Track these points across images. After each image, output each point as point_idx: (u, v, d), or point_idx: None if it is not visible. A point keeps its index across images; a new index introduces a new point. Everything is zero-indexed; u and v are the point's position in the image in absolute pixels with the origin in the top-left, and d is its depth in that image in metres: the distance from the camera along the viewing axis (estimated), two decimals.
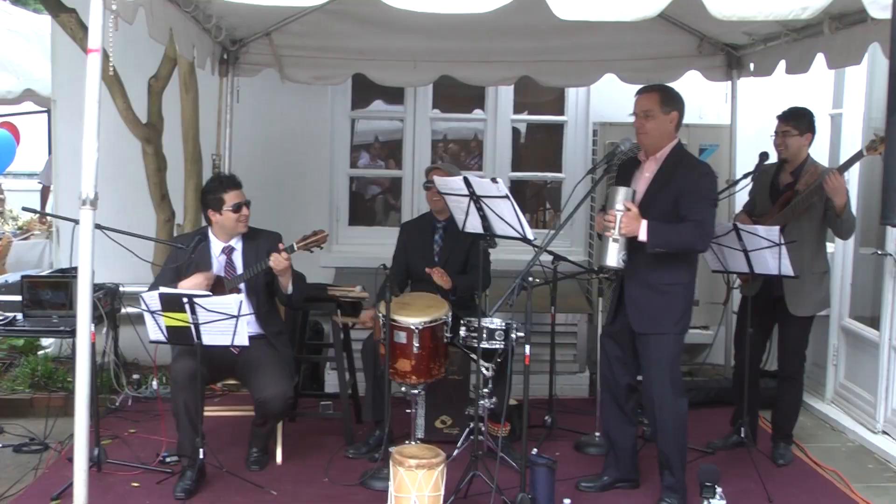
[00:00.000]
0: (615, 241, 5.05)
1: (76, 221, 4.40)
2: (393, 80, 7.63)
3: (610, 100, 8.14)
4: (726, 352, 7.85)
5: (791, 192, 5.97)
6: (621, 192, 5.05)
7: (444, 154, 9.00)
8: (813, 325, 7.20)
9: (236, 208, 5.78)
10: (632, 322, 5.28)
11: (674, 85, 6.03)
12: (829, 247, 7.25)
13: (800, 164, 6.02)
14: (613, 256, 5.08)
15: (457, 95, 8.83)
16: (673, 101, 5.24)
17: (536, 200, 9.41)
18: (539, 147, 9.19)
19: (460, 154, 9.11)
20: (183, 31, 5.66)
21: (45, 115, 12.20)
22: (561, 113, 8.86)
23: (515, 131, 8.95)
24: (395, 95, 8.81)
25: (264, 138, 8.34)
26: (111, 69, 4.56)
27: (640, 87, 5.47)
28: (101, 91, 4.31)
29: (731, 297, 6.86)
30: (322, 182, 8.59)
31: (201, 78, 7.32)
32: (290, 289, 5.79)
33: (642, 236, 4.97)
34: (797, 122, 5.99)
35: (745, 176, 6.35)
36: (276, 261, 5.58)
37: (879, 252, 6.66)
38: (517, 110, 8.88)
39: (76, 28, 6.58)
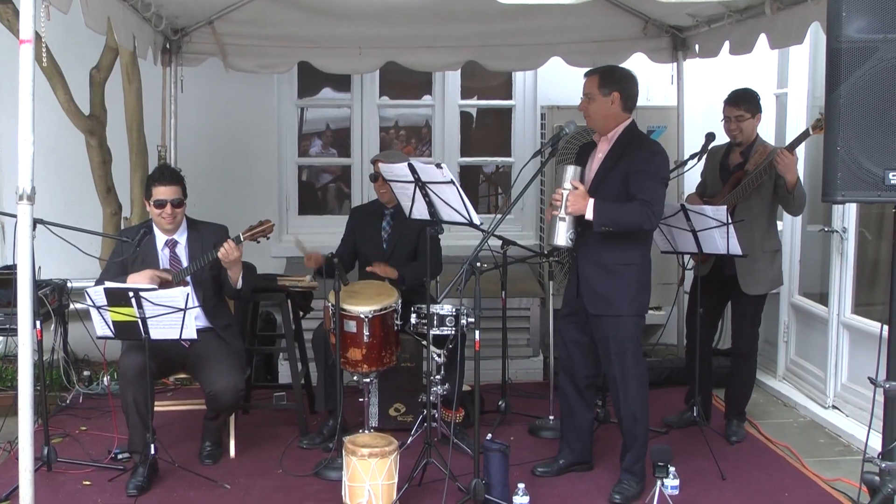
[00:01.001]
0: (562, 219, 5.04)
1: (15, 216, 4.32)
2: (338, 68, 7.58)
3: (557, 83, 8.14)
4: (679, 332, 7.90)
5: (741, 172, 6.01)
6: (569, 171, 5.04)
7: (396, 140, 8.97)
8: (765, 303, 7.28)
9: (158, 205, 5.67)
10: (586, 303, 5.25)
11: None
12: (778, 224, 7.34)
13: (749, 145, 6.06)
14: (562, 235, 5.07)
15: (405, 82, 8.79)
16: (613, 82, 5.21)
17: (488, 185, 9.40)
18: (488, 132, 9.18)
19: (411, 140, 9.07)
20: (121, 21, 5.58)
21: None
22: (509, 97, 8.85)
23: (465, 116, 8.93)
24: (343, 83, 8.76)
25: (210, 128, 8.24)
26: (44, 60, 4.48)
27: (587, 69, 5.46)
28: (42, 83, 4.24)
29: (684, 277, 6.88)
30: (270, 171, 8.52)
31: (145, 68, 7.23)
32: (239, 283, 5.73)
33: (589, 215, 4.97)
34: (748, 104, 6.03)
35: (693, 157, 6.37)
36: (226, 251, 5.51)
37: (826, 229, 6.72)
38: (466, 95, 8.85)
39: (13, 19, 6.47)
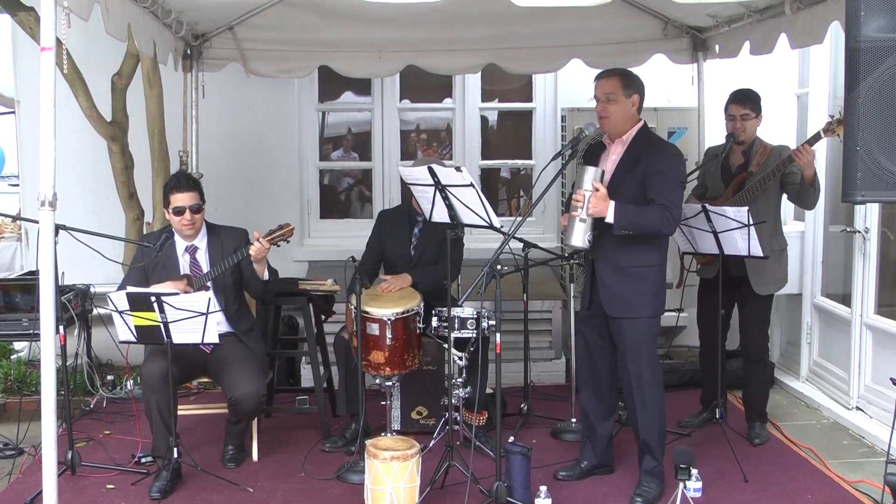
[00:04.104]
0: (582, 221, 5.02)
1: (37, 222, 4.35)
2: (358, 72, 7.57)
3: (577, 85, 8.10)
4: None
5: (745, 174, 6.01)
6: (590, 172, 5.01)
7: (417, 143, 8.98)
8: (786, 305, 7.24)
9: (177, 212, 5.70)
10: (605, 306, 5.25)
11: (640, 68, 6.04)
12: (799, 225, 7.31)
13: (749, 145, 6.08)
14: (580, 237, 5.04)
15: (426, 85, 8.80)
16: (634, 85, 5.22)
17: (509, 188, 9.39)
18: (509, 134, 9.17)
19: (431, 144, 9.08)
20: (142, 27, 5.61)
21: (14, 116, 12.06)
22: (529, 100, 8.84)
23: (485, 119, 8.93)
24: (364, 87, 8.78)
25: (232, 133, 8.29)
26: (65, 67, 4.50)
27: (599, 72, 5.46)
28: (65, 90, 4.23)
29: (684, 279, 6.81)
30: (292, 176, 8.55)
31: (166, 74, 7.26)
32: (266, 274, 5.74)
33: (609, 217, 4.95)
34: (754, 105, 6.06)
35: (713, 157, 6.34)
36: (257, 249, 5.51)
37: (849, 229, 6.69)
38: (486, 98, 8.85)
39: (35, 26, 6.50)
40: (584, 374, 5.57)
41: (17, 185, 11.51)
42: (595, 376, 5.50)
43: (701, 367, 6.61)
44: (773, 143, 6.15)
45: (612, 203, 4.95)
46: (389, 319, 5.59)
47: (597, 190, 4.96)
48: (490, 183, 9.10)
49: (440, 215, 5.36)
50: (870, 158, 3.72)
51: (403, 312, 5.65)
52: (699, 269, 6.34)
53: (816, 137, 5.68)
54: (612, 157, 5.27)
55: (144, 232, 7.28)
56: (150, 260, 5.67)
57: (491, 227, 5.14)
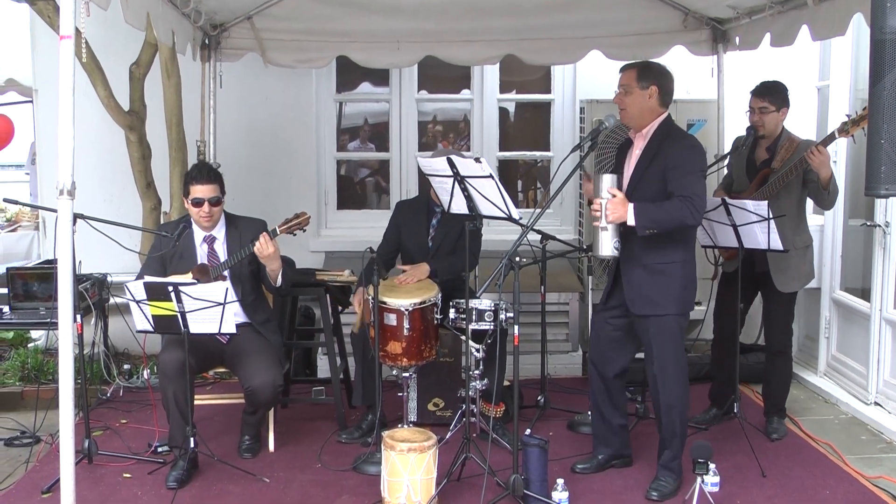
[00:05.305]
0: (604, 229, 4.97)
1: (56, 211, 4.34)
2: (376, 62, 7.54)
3: (596, 77, 8.10)
4: None
5: (768, 169, 5.95)
6: (605, 180, 4.97)
7: (431, 133, 8.97)
8: (804, 299, 7.17)
9: (196, 203, 5.68)
10: (630, 304, 5.20)
11: (660, 60, 5.99)
12: (818, 219, 7.26)
13: (775, 139, 6.00)
14: (607, 246, 5.00)
15: (444, 76, 8.78)
16: (651, 76, 5.16)
17: (527, 180, 9.37)
18: (527, 126, 9.14)
19: (448, 135, 9.06)
20: (160, 16, 5.61)
21: (31, 105, 12.08)
22: (548, 91, 8.81)
23: (503, 111, 8.90)
24: (382, 77, 8.77)
25: (249, 123, 8.29)
26: (84, 55, 4.49)
27: (623, 63, 5.41)
28: (83, 79, 4.22)
29: (718, 273, 6.79)
30: (309, 166, 8.55)
31: (185, 63, 7.27)
32: (279, 281, 5.72)
33: (630, 220, 4.90)
34: (773, 97, 5.95)
35: (735, 149, 6.29)
36: (261, 246, 5.51)
37: (869, 223, 6.64)
38: (504, 89, 8.83)
39: (54, 15, 6.52)
40: (595, 367, 5.53)
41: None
42: (605, 371, 5.47)
43: (711, 361, 6.58)
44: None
45: (631, 205, 4.91)
46: (407, 310, 5.58)
47: (613, 196, 4.93)
48: (508, 175, 9.08)
49: (459, 206, 5.34)
50: (894, 152, 3.67)
51: (421, 303, 5.63)
52: (723, 263, 6.29)
53: (831, 138, 5.60)
54: (636, 152, 5.23)
55: (162, 221, 7.29)
56: (167, 249, 5.67)
57: (510, 218, 5.11)
